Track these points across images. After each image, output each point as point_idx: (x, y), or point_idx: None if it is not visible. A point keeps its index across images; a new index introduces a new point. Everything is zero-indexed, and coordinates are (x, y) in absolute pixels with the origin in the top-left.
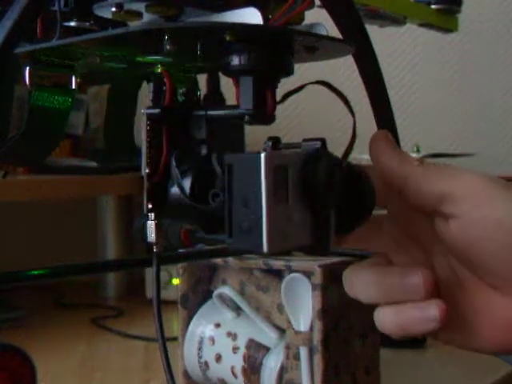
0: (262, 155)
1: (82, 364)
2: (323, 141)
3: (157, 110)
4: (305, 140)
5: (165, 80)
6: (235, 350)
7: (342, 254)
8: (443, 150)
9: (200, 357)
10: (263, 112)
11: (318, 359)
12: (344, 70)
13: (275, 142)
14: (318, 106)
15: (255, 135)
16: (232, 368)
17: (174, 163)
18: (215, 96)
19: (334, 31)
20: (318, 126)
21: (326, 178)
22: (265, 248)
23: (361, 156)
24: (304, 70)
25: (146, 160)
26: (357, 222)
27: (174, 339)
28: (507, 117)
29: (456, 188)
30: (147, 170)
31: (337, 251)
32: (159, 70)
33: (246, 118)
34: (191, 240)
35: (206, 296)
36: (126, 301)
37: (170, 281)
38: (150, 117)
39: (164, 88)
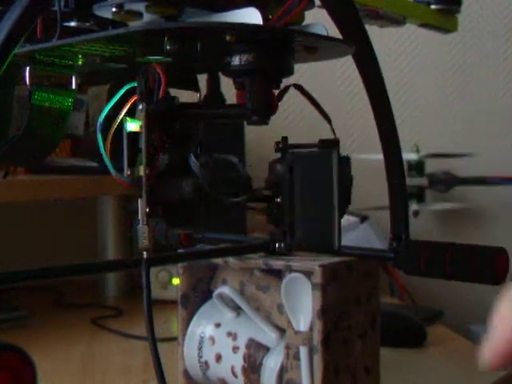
0: (334, 152)
1: (82, 364)
2: (337, 142)
3: (161, 106)
4: (321, 141)
5: (155, 74)
6: (235, 349)
7: (342, 254)
8: (443, 150)
9: (200, 357)
10: (270, 112)
11: (317, 359)
12: (344, 70)
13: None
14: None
15: (255, 135)
16: (232, 368)
17: (193, 158)
18: (215, 96)
19: (334, 31)
20: (318, 127)
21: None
22: (335, 246)
23: (360, 156)
24: (304, 71)
25: (146, 159)
26: None
27: (174, 339)
28: (507, 117)
29: None
30: (147, 171)
31: (337, 251)
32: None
33: (255, 118)
34: (190, 241)
35: (206, 296)
36: (125, 301)
37: (170, 281)
38: (150, 113)
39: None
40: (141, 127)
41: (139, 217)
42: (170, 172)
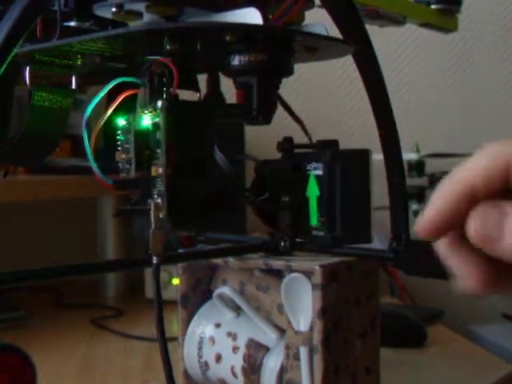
0: (370, 151)
1: (82, 364)
2: (336, 142)
3: (177, 103)
4: (319, 141)
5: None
6: (235, 349)
7: (342, 254)
8: (443, 150)
9: (200, 357)
10: (270, 112)
11: (317, 359)
12: (344, 70)
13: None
14: (317, 106)
15: (255, 135)
16: (232, 368)
17: (218, 152)
18: (215, 96)
19: (334, 31)
20: (317, 127)
21: None
22: (372, 239)
23: None
24: (304, 71)
25: (166, 159)
26: None
27: (174, 339)
28: (507, 117)
29: None
30: (168, 171)
31: (337, 251)
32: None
33: (260, 117)
34: (191, 241)
35: (206, 296)
36: (125, 301)
37: (170, 281)
38: (169, 110)
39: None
40: (157, 125)
41: (152, 220)
42: (183, 172)
